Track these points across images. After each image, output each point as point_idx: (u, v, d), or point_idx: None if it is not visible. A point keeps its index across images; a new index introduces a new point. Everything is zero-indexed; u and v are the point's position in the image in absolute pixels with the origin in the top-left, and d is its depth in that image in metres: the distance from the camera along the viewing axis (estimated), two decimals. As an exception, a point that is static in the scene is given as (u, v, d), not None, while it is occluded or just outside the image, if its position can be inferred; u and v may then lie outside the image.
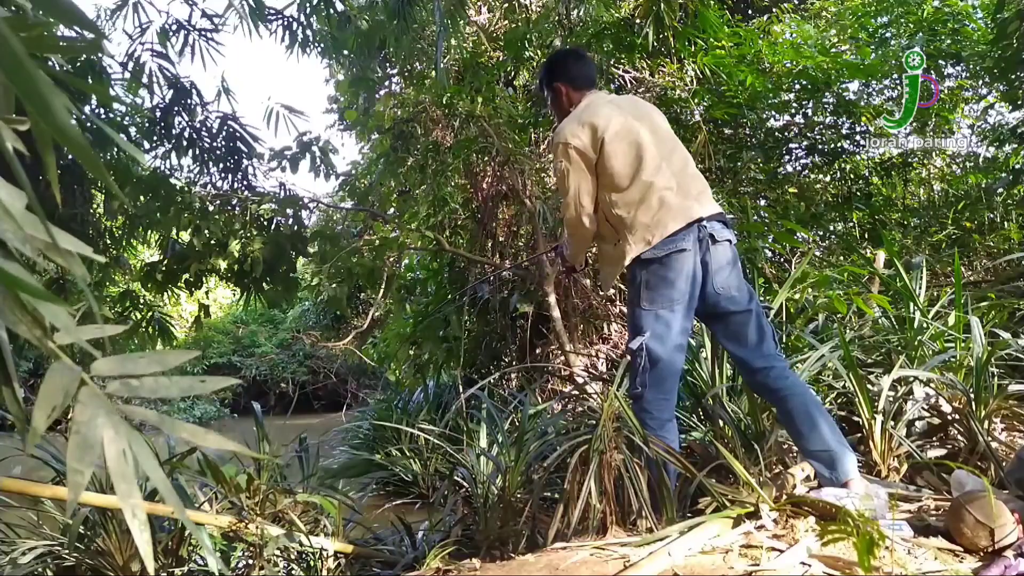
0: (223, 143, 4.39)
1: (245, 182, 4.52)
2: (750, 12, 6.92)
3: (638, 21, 4.85)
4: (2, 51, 0.53)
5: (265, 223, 4.51)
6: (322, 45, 4.70)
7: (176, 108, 4.26)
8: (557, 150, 2.07)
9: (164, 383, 0.71)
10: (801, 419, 1.91)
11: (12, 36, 0.52)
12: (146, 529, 0.61)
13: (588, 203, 2.07)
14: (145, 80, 4.14)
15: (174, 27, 4.24)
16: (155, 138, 4.31)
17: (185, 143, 4.34)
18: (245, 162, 4.47)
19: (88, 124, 3.26)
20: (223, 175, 4.49)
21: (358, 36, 4.31)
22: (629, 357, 2.01)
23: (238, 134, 4.37)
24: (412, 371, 6.36)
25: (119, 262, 4.67)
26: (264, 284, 4.44)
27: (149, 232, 4.60)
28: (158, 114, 4.26)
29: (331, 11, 4.15)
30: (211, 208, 4.40)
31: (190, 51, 4.29)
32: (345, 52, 4.80)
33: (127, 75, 4.16)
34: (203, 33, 4.31)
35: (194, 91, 4.30)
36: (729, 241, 2.04)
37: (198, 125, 4.35)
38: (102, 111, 4.23)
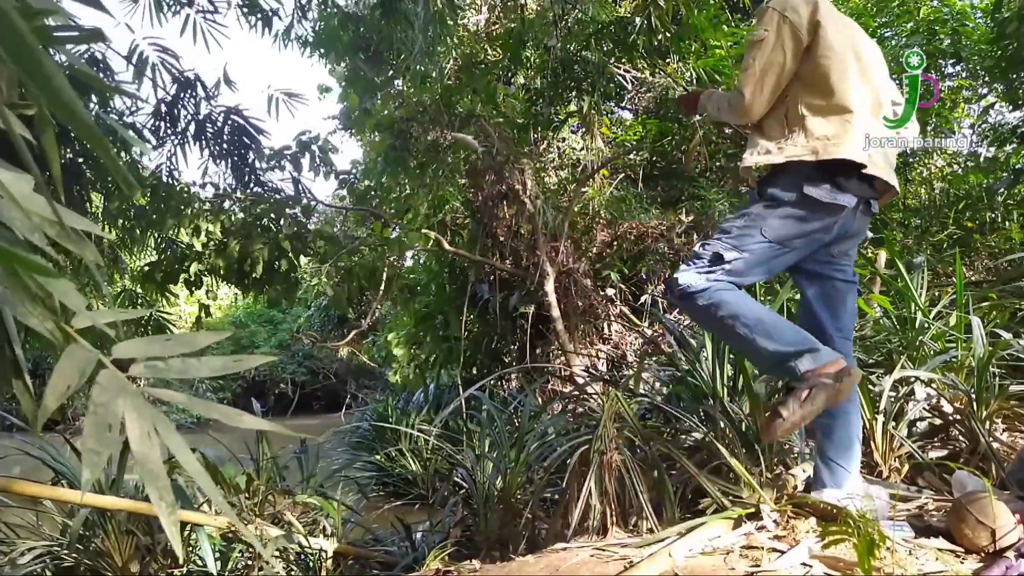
0: (227, 136, 4.35)
1: (252, 175, 4.48)
2: (748, 12, 6.91)
3: (637, 19, 4.84)
4: (6, 33, 0.51)
5: (266, 222, 4.48)
6: (313, 40, 4.68)
7: (180, 101, 4.23)
8: (766, 15, 1.73)
9: (194, 364, 0.67)
10: (841, 418, 1.80)
11: (15, 16, 0.51)
12: (174, 512, 0.58)
13: (769, 92, 1.73)
14: (149, 74, 4.09)
15: (171, 2, 4.20)
16: (160, 133, 4.28)
17: (191, 137, 4.30)
18: (251, 156, 4.43)
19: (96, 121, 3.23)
20: (227, 167, 4.45)
21: (352, 34, 4.30)
22: (700, 250, 1.74)
23: (238, 124, 4.32)
24: (413, 371, 6.36)
25: (117, 263, 4.66)
26: (265, 285, 4.42)
27: (149, 233, 4.58)
28: (163, 108, 4.23)
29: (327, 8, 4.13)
30: (210, 208, 4.38)
31: (191, 30, 4.21)
32: (342, 51, 4.79)
33: (130, 67, 4.11)
34: (203, 13, 4.26)
35: (198, 83, 4.26)
36: (872, 215, 1.88)
37: (202, 118, 4.31)
38: (105, 109, 4.20)
